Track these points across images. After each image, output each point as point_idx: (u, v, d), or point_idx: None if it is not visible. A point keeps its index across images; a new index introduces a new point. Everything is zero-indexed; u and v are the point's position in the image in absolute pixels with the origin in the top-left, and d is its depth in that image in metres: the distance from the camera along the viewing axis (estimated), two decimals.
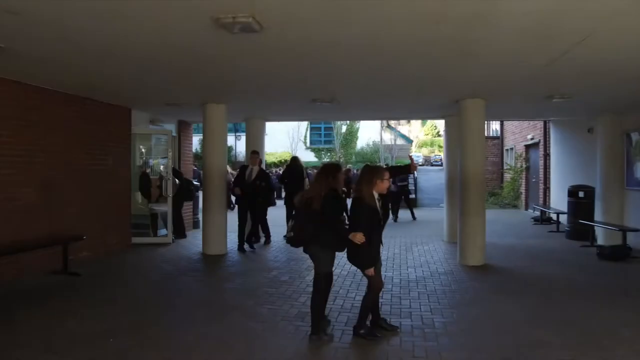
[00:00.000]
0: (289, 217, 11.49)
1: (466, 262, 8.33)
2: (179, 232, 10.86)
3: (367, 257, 4.53)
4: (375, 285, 4.70)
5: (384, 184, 4.62)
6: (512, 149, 20.42)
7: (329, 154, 34.58)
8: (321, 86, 7.51)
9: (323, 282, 4.68)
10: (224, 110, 9.11)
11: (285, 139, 31.74)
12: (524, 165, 18.50)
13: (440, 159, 47.55)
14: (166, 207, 10.11)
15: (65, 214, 7.94)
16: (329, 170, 4.68)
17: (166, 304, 5.93)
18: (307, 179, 11.78)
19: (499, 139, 22.29)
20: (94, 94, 8.38)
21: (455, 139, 10.69)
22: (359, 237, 4.36)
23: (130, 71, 6.62)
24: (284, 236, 11.32)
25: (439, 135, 65.41)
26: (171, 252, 9.21)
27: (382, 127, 35.17)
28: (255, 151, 10.13)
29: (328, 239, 4.51)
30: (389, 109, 10.42)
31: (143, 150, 10.62)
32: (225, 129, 9.32)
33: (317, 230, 4.48)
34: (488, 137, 21.18)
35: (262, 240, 10.34)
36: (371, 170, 4.73)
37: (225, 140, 9.39)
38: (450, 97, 8.48)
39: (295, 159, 11.81)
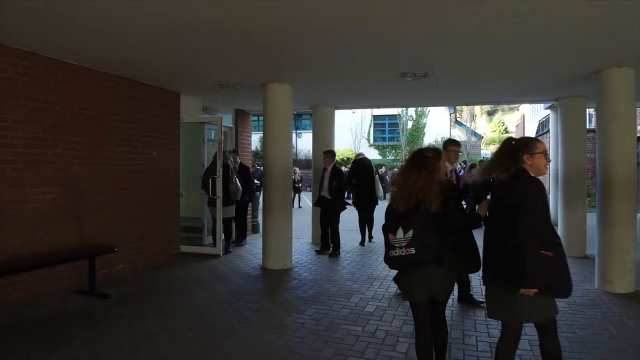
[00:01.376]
0: (362, 221, 9.68)
1: (610, 288, 6.06)
2: (240, 238, 9.22)
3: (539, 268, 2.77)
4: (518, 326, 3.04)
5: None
6: None
7: (393, 151, 32.39)
8: (417, 52, 5.52)
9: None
10: (288, 91, 7.27)
11: (347, 136, 29.82)
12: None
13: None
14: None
15: (96, 219, 6.38)
16: (434, 158, 3.25)
17: (213, 349, 4.15)
18: (377, 177, 9.89)
19: (595, 131, 19.30)
20: (135, 73, 6.79)
21: (575, 127, 8.39)
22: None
23: (179, 42, 5.09)
24: (360, 243, 9.61)
25: (507, 132, 61.40)
26: (225, 265, 7.48)
27: (451, 122, 32.57)
28: (330, 151, 8.36)
29: (457, 256, 3.15)
30: (490, 90, 8.22)
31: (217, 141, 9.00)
32: (291, 114, 7.47)
33: (441, 244, 3.08)
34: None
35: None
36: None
37: (291, 128, 7.54)
38: (582, 67, 6.25)
39: (362, 156, 10.00)
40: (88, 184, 6.29)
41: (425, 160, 3.22)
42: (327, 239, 8.55)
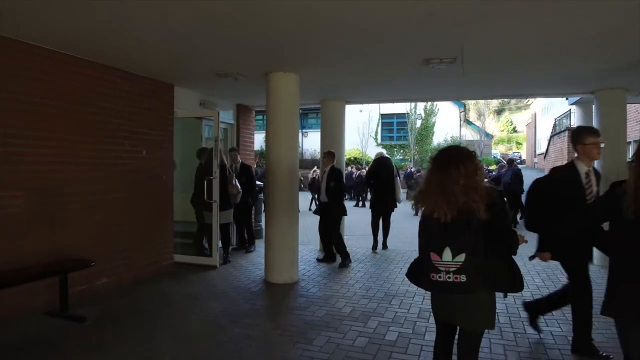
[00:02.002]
0: (375, 225, 8.80)
1: None
2: (249, 243, 8.39)
3: None
4: None
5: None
6: (634, 141, 16.47)
7: (402, 150, 31.48)
8: (451, 30, 4.61)
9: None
10: (294, 81, 6.37)
11: (354, 135, 28.91)
12: None
13: (520, 156, 43.16)
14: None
15: (76, 228, 5.52)
16: (467, 156, 2.64)
17: None
18: (398, 178, 9.03)
19: None
20: (123, 62, 5.93)
21: (615, 122, 7.46)
22: None
23: (172, 26, 4.35)
24: (372, 248, 8.81)
25: (515, 131, 60.30)
26: (223, 278, 6.59)
27: (461, 120, 31.62)
28: (329, 152, 7.63)
29: (502, 274, 2.62)
30: (520, 81, 7.26)
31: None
32: (297, 106, 6.55)
33: (485, 261, 2.53)
34: None
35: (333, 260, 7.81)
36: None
37: (297, 122, 6.62)
38: (625, 56, 5.38)
39: (382, 154, 9.16)
40: (67, 188, 5.42)
41: (467, 154, 2.63)
42: (330, 247, 7.68)
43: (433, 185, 2.59)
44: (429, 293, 2.79)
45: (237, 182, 7.22)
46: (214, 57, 5.70)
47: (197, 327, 4.66)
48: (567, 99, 18.88)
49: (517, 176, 12.51)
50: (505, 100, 68.84)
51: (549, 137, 21.99)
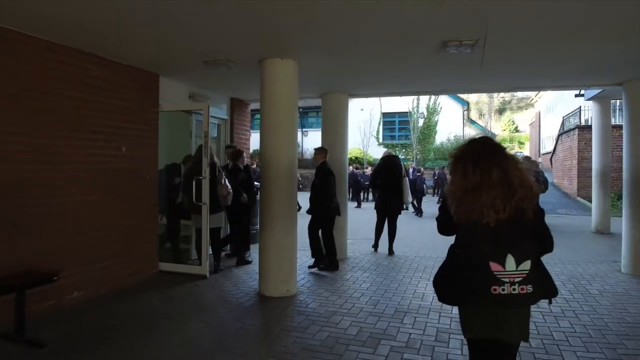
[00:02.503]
0: (380, 228, 8.50)
1: None
2: (244, 250, 7.65)
3: None
4: None
5: None
6: None
7: (403, 150, 30.70)
8: (467, 15, 3.89)
9: None
10: (293, 68, 5.62)
11: (356, 134, 28.14)
12: None
13: (523, 156, 42.45)
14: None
15: (41, 235, 4.77)
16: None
17: None
18: (406, 179, 8.34)
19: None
20: (100, 46, 5.20)
21: None
22: None
23: (154, 3, 3.71)
24: (373, 246, 8.50)
25: (517, 131, 59.44)
26: (212, 290, 5.85)
27: (464, 119, 30.91)
28: (320, 148, 7.00)
29: (549, 279, 2.32)
30: (543, 72, 6.51)
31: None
32: (296, 97, 5.78)
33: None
34: (613, 126, 16.62)
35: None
36: None
37: (296, 115, 5.85)
38: None
39: (390, 153, 8.55)
40: (28, 189, 4.68)
41: (502, 148, 2.40)
42: (318, 251, 6.99)
43: (479, 181, 2.23)
44: (445, 309, 2.37)
45: (227, 182, 6.46)
46: (201, 41, 4.97)
47: (178, 353, 3.92)
48: (581, 93, 18.16)
49: (538, 178, 11.77)
50: (507, 99, 68.15)
51: (556, 136, 21.23)
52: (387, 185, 8.25)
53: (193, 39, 4.86)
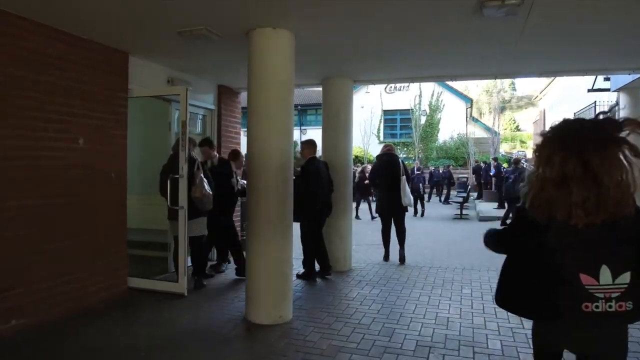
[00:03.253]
0: (387, 233, 7.58)
1: None
2: (219, 262, 6.61)
3: None
4: None
5: None
6: None
7: (405, 148, 29.64)
8: None
9: None
10: (288, 40, 4.50)
11: (355, 132, 26.95)
12: None
13: (525, 155, 41.33)
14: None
15: None
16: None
17: None
18: (404, 178, 7.49)
19: None
20: (50, 16, 4.11)
21: None
22: None
23: None
24: (384, 258, 7.48)
25: (518, 130, 58.40)
26: (189, 314, 4.73)
27: (467, 117, 29.88)
28: (308, 141, 6.13)
29: None
30: (591, 51, 5.43)
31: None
32: (292, 75, 4.64)
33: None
34: None
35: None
36: None
37: (292, 98, 4.71)
38: None
39: (388, 151, 7.63)
40: None
41: (612, 130, 1.80)
42: (309, 259, 6.13)
43: (571, 172, 1.75)
44: (479, 342, 2.40)
45: (205, 183, 5.34)
46: (175, 6, 3.88)
47: None
48: (594, 87, 17.12)
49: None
50: (507, 98, 66.99)
51: None
52: (386, 184, 7.36)
53: (166, 2, 3.78)
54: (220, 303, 5.11)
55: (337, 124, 6.70)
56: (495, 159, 19.12)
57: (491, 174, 16.94)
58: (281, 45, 4.45)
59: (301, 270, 6.20)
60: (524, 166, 11.97)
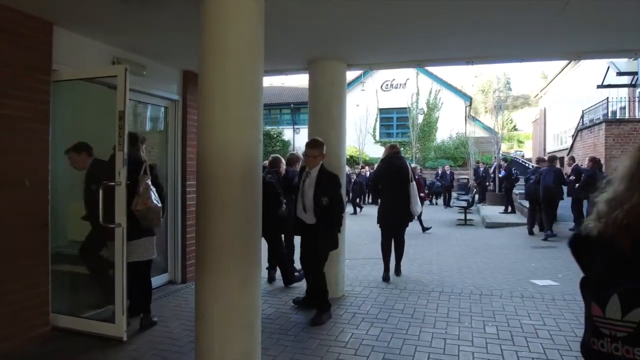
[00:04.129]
0: (387, 248, 6.48)
1: None
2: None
3: None
4: None
5: None
6: None
7: (402, 148, 28.31)
8: None
9: None
10: (254, 4, 3.24)
11: (351, 131, 25.76)
12: None
13: (523, 155, 40.14)
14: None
15: None
16: None
17: None
18: (413, 184, 6.54)
19: None
20: None
21: None
22: None
23: None
24: (383, 279, 6.28)
25: (516, 130, 57.34)
26: None
27: (466, 115, 28.72)
28: (315, 141, 4.64)
29: None
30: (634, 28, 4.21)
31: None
32: (261, 43, 3.33)
33: None
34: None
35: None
36: None
37: (260, 80, 3.38)
38: None
39: (394, 152, 6.75)
40: None
41: None
42: (313, 288, 4.88)
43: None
44: None
45: (152, 192, 4.05)
46: None
47: None
48: (604, 84, 15.96)
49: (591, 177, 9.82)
50: (502, 97, 66.02)
51: (574, 132, 18.97)
52: (391, 191, 6.41)
53: None
54: (170, 348, 3.83)
55: (328, 118, 5.40)
56: (505, 159, 17.80)
57: (500, 175, 15.65)
58: (244, 10, 3.17)
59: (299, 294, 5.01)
60: (577, 166, 10.88)
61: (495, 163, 18.78)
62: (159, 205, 4.10)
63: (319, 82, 5.45)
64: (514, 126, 57.27)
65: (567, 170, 11.17)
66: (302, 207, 4.63)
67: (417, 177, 15.46)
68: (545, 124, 30.65)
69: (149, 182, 4.11)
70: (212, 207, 3.11)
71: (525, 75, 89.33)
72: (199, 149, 3.24)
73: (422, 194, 15.22)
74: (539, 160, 10.90)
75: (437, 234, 10.73)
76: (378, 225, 6.66)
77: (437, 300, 5.24)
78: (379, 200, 6.75)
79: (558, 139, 27.82)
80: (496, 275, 6.50)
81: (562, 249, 8.56)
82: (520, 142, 52.63)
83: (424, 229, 10.94)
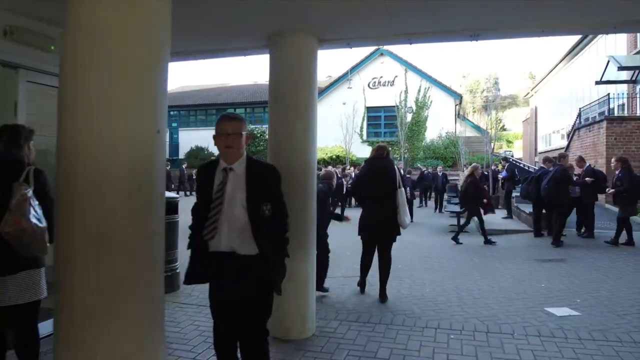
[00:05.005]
0: (367, 262, 5.68)
1: None
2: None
3: None
4: None
5: None
6: None
7: (390, 148, 27.16)
8: None
9: None
10: None
11: (337, 130, 24.63)
12: None
13: (512, 155, 39.23)
14: None
15: None
16: None
17: None
18: (401, 190, 5.48)
19: None
20: None
21: None
22: None
23: None
24: (359, 286, 5.77)
25: (504, 129, 56.54)
26: None
27: (456, 114, 27.74)
28: (232, 114, 3.11)
29: None
30: None
31: None
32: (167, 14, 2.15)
33: None
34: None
35: None
36: None
37: (163, 53, 2.19)
38: None
39: (381, 153, 5.68)
40: None
41: None
42: None
43: None
44: None
45: (33, 208, 2.83)
46: None
47: None
48: (602, 79, 14.93)
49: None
50: (490, 98, 65.22)
51: (570, 131, 17.97)
52: (375, 199, 5.46)
53: None
54: None
55: (293, 107, 4.19)
56: (506, 159, 16.29)
57: (501, 176, 14.29)
58: None
59: None
60: (590, 166, 9.82)
61: (494, 166, 17.76)
62: (41, 225, 2.86)
63: (283, 61, 4.23)
64: (503, 126, 56.59)
65: (577, 171, 10.10)
66: (222, 228, 2.60)
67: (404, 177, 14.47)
68: (536, 123, 29.76)
69: (29, 193, 2.87)
70: (66, 222, 1.90)
71: (512, 75, 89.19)
72: (59, 143, 2.03)
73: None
74: (562, 156, 9.66)
75: (428, 245, 9.53)
76: (359, 235, 5.64)
77: (432, 342, 4.05)
78: (362, 208, 5.69)
79: (546, 140, 26.89)
80: (501, 300, 5.35)
81: (572, 262, 7.45)
82: (509, 142, 51.89)
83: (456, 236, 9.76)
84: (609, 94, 14.66)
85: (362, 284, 5.76)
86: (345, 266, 6.96)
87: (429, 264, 7.51)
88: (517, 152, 44.13)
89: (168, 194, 6.05)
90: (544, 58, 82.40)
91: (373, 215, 5.43)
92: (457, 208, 12.09)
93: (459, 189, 17.18)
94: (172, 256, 5.81)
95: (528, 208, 11.47)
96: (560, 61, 22.74)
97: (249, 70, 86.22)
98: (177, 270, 5.85)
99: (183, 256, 3.89)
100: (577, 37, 19.64)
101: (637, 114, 14.44)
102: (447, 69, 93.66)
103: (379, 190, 5.42)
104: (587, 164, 9.91)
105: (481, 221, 9.67)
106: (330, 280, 6.07)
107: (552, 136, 25.21)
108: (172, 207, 5.82)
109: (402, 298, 5.48)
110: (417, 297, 5.55)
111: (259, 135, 27.27)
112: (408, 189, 13.78)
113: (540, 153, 28.23)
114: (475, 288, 5.92)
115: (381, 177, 5.42)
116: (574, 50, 20.58)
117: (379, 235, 5.48)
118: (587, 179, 9.17)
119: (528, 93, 33.57)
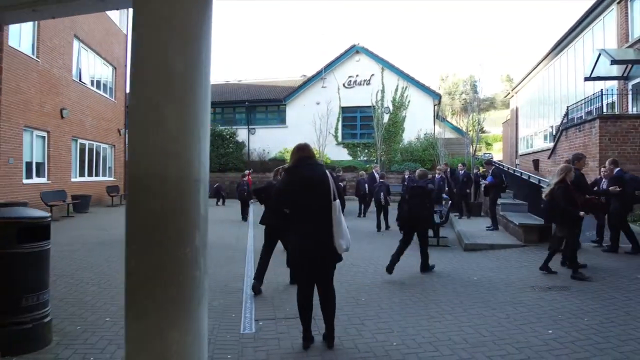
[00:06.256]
0: (307, 300, 4.17)
1: None
2: None
3: None
4: None
5: None
6: None
7: (366, 150, 25.88)
8: None
9: None
10: None
11: (311, 132, 23.01)
12: None
13: (491, 157, 38.19)
14: None
15: None
16: None
17: None
18: (336, 202, 4.09)
19: None
20: None
21: None
22: None
23: None
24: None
25: (483, 132, 55.76)
26: None
27: (435, 115, 26.34)
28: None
29: None
30: None
31: None
32: None
33: None
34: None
35: None
36: None
37: None
38: None
39: (305, 155, 4.21)
40: None
41: None
42: None
43: None
44: None
45: None
46: None
47: None
48: (592, 75, 13.60)
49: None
50: (468, 100, 64.42)
51: (558, 131, 16.64)
52: (301, 216, 4.02)
53: None
54: None
55: (161, 79, 2.53)
56: (490, 162, 14.02)
57: (486, 182, 12.08)
58: None
59: None
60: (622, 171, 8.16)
61: (475, 170, 16.28)
62: None
63: (151, 11, 2.57)
64: (482, 128, 55.80)
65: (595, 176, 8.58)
66: None
67: (379, 184, 12.84)
68: (517, 125, 28.58)
69: None
70: None
71: (489, 78, 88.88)
72: None
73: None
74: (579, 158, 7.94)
75: (399, 265, 7.78)
76: (289, 265, 4.09)
77: None
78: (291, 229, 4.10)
79: (527, 142, 25.65)
80: (500, 344, 3.78)
81: (576, 292, 5.86)
82: (488, 144, 51.08)
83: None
84: (601, 90, 13.31)
85: (306, 340, 4.08)
86: (291, 304, 5.29)
87: (398, 296, 5.87)
88: (497, 154, 43.18)
89: (37, 212, 4.37)
90: (521, 59, 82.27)
91: (301, 240, 3.95)
92: (436, 218, 10.32)
93: (440, 195, 14.81)
94: (41, 299, 4.10)
95: (517, 218, 9.96)
96: (543, 59, 21.51)
97: (218, 70, 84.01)
98: (47, 320, 4.14)
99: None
100: (562, 33, 18.40)
101: (629, 113, 13.12)
102: (425, 70, 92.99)
103: (305, 205, 3.97)
104: (618, 169, 8.17)
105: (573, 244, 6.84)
106: (266, 324, 4.43)
107: (534, 138, 23.96)
108: (40, 231, 4.13)
109: (358, 350, 3.86)
110: (379, 349, 3.93)
111: (228, 137, 25.49)
112: (382, 194, 12.27)
113: (521, 155, 27.05)
114: (459, 338, 4.29)
115: (308, 188, 3.96)
116: (558, 47, 19.32)
117: (313, 263, 3.99)
118: (611, 188, 7.66)
119: (508, 94, 32.44)
